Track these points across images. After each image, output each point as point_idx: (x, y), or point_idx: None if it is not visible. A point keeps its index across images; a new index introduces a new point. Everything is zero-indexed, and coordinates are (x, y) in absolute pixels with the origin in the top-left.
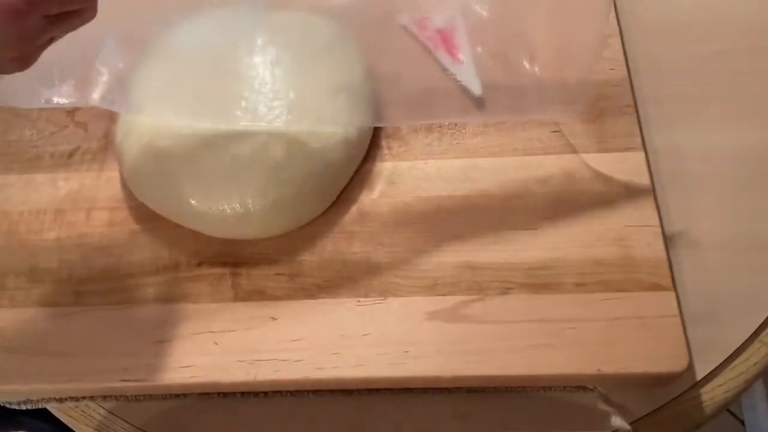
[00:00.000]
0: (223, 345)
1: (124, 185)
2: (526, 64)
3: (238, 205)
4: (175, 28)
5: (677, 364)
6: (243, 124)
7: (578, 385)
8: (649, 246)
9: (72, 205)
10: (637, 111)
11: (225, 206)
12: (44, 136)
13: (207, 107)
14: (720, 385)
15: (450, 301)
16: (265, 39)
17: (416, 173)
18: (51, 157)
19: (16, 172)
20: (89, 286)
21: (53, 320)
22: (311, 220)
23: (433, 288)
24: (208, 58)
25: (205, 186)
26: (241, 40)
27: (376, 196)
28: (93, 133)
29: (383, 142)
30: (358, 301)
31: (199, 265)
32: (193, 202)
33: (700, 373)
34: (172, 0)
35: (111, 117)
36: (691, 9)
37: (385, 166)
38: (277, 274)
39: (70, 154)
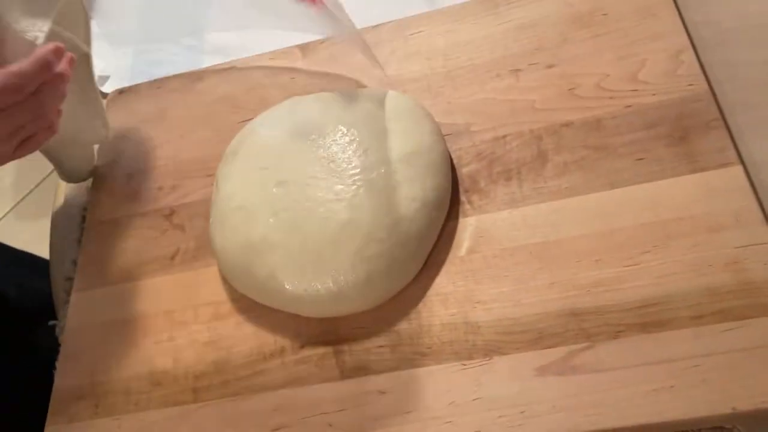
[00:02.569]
0: (337, 426)
1: (224, 279)
2: None
3: (331, 284)
4: (253, 122)
5: None
6: (322, 209)
7: (714, 426)
8: (766, 266)
9: (179, 304)
10: (726, 123)
11: (319, 287)
12: (147, 242)
13: (289, 194)
14: None
15: (558, 352)
16: (334, 119)
17: (501, 224)
18: (156, 262)
19: (127, 281)
20: (205, 382)
21: (175, 419)
22: (404, 288)
23: (538, 341)
24: (285, 147)
25: (298, 270)
26: (312, 124)
27: (464, 254)
28: (190, 233)
29: (463, 197)
30: (463, 365)
31: (303, 347)
32: (288, 287)
33: None
34: None
35: (205, 216)
36: (762, 12)
37: (469, 222)
38: (379, 346)
39: (172, 256)
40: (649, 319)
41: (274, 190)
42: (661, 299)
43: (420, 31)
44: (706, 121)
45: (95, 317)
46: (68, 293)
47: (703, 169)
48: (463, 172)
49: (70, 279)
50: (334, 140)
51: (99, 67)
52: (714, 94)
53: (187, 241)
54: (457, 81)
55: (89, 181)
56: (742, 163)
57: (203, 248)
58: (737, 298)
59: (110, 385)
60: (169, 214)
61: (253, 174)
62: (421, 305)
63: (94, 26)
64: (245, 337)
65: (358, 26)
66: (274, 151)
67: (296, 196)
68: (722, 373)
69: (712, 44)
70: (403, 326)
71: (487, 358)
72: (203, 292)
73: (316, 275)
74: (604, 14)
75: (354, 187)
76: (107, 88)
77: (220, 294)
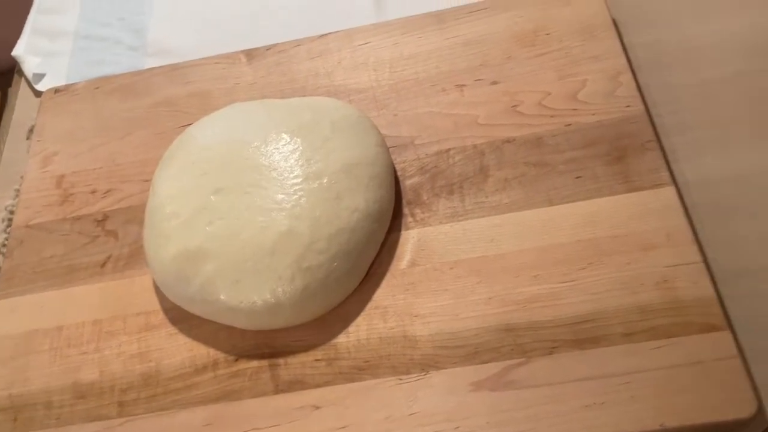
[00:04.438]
0: None
1: (157, 288)
2: None
3: (268, 296)
4: (193, 127)
5: (745, 410)
6: (262, 218)
7: None
8: (695, 285)
9: (108, 314)
10: (661, 145)
11: (255, 298)
12: (76, 248)
13: (227, 202)
14: None
15: (494, 368)
16: (277, 126)
17: (443, 238)
18: (85, 269)
19: (54, 288)
20: (132, 395)
21: None
22: (343, 300)
23: (474, 356)
24: (224, 153)
25: (234, 281)
26: (254, 131)
27: (405, 266)
28: (123, 240)
29: (406, 210)
30: (400, 379)
31: (237, 360)
32: (223, 298)
33: None
34: None
35: (140, 222)
36: (701, 34)
37: (411, 235)
38: (315, 360)
39: (103, 264)
40: (583, 335)
41: (211, 197)
42: (595, 316)
43: (367, 42)
44: (641, 142)
45: (18, 326)
46: None
47: (638, 189)
48: (407, 184)
49: None
50: (276, 148)
51: (34, 63)
52: (650, 116)
53: (120, 248)
54: (403, 93)
55: (16, 183)
56: (675, 183)
57: (136, 256)
58: (667, 316)
59: (31, 397)
60: (102, 219)
61: (191, 180)
62: (360, 318)
63: (32, 21)
64: (177, 349)
65: (305, 35)
66: (213, 158)
67: (235, 204)
68: (652, 389)
69: (649, 66)
70: (341, 340)
71: (424, 373)
72: (134, 301)
73: (252, 286)
74: (548, 34)
75: (295, 196)
76: (43, 86)
77: (153, 304)
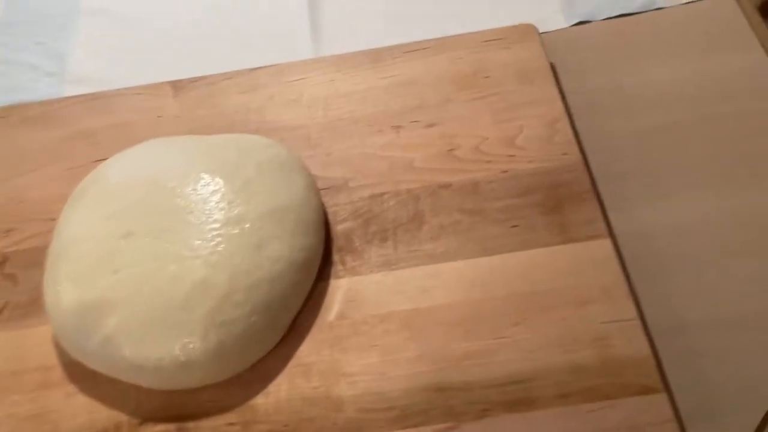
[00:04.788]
0: None
1: (57, 342)
2: None
3: (177, 352)
4: (106, 163)
5: None
6: (174, 266)
7: None
8: (630, 343)
9: (1, 368)
10: (597, 193)
11: (163, 355)
12: None
13: (137, 248)
14: None
15: None
16: (197, 166)
17: (374, 287)
18: None
19: None
20: None
21: None
22: (263, 356)
23: (402, 419)
24: (138, 193)
25: (140, 335)
26: (172, 170)
27: (333, 318)
28: (24, 285)
29: (336, 257)
30: None
31: (142, 423)
32: (127, 354)
33: None
34: None
35: (43, 266)
36: (636, 84)
37: (340, 284)
38: (229, 424)
39: None
40: (515, 396)
41: (120, 241)
42: (528, 375)
43: (301, 78)
44: (578, 192)
45: None
46: None
47: (573, 240)
48: (338, 229)
49: None
50: (194, 189)
51: None
52: (587, 163)
53: (19, 295)
54: (337, 133)
55: None
56: (612, 234)
57: (37, 304)
58: (602, 376)
59: None
60: (1, 261)
61: (98, 222)
62: (281, 377)
63: None
64: (75, 411)
65: (236, 68)
66: (125, 198)
67: (145, 250)
68: None
69: (586, 114)
70: (259, 401)
71: None
72: (31, 355)
73: (160, 341)
74: (486, 77)
75: (213, 243)
76: None
77: (51, 358)
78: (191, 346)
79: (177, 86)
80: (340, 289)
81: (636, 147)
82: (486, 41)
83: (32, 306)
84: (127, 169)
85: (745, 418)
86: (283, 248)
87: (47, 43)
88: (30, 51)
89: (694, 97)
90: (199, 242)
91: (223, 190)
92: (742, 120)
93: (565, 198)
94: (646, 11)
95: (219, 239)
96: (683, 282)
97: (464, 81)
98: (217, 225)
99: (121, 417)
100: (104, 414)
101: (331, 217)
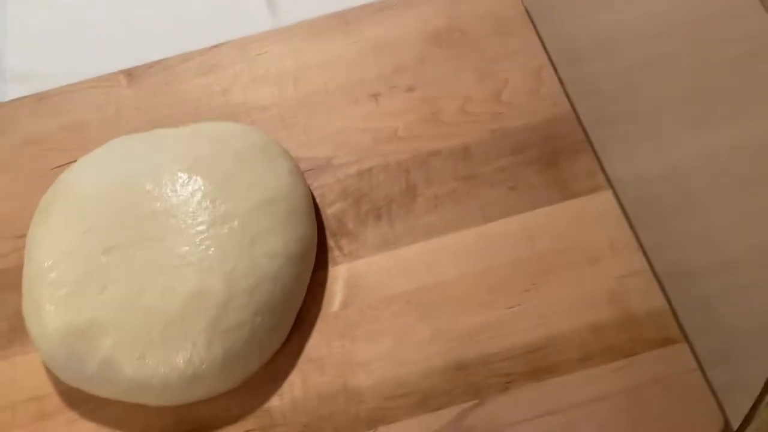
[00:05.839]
0: None
1: (48, 368)
2: None
3: (183, 367)
4: (69, 172)
5: (713, 426)
6: (164, 277)
7: None
8: (645, 295)
9: None
10: (591, 143)
11: (167, 371)
12: None
13: (121, 262)
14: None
15: (448, 414)
16: (171, 163)
17: (375, 270)
18: None
19: None
20: None
21: None
22: (271, 357)
23: (425, 403)
24: (111, 202)
25: (139, 354)
26: (144, 172)
27: (337, 308)
28: (1, 312)
29: (331, 242)
30: None
31: None
32: (128, 374)
33: (735, 421)
34: None
35: (18, 289)
36: (617, 20)
37: (340, 271)
38: None
39: None
40: (537, 364)
41: (101, 258)
42: (546, 342)
43: (265, 52)
44: (572, 144)
45: None
46: None
47: (575, 196)
48: (329, 213)
49: None
50: (173, 190)
51: None
52: (576, 112)
53: None
54: (312, 108)
55: None
56: (611, 184)
57: (18, 331)
58: (622, 333)
59: None
60: None
61: (73, 239)
62: (293, 375)
63: None
64: None
65: (192, 48)
66: (97, 209)
67: (130, 263)
68: (617, 416)
69: (568, 59)
70: (274, 403)
71: (372, 431)
72: (22, 385)
73: (162, 359)
74: (462, 32)
75: (202, 247)
76: None
77: (45, 386)
78: (196, 359)
79: (131, 74)
80: (340, 276)
81: (623, 88)
82: None
83: (13, 334)
84: (94, 177)
85: (763, 357)
86: (277, 242)
87: None
88: None
89: (680, 26)
90: (186, 248)
91: (203, 187)
92: (736, 45)
93: (560, 151)
94: None
95: (208, 242)
96: (686, 226)
97: (439, 38)
98: (203, 227)
99: None
100: None
101: (319, 201)
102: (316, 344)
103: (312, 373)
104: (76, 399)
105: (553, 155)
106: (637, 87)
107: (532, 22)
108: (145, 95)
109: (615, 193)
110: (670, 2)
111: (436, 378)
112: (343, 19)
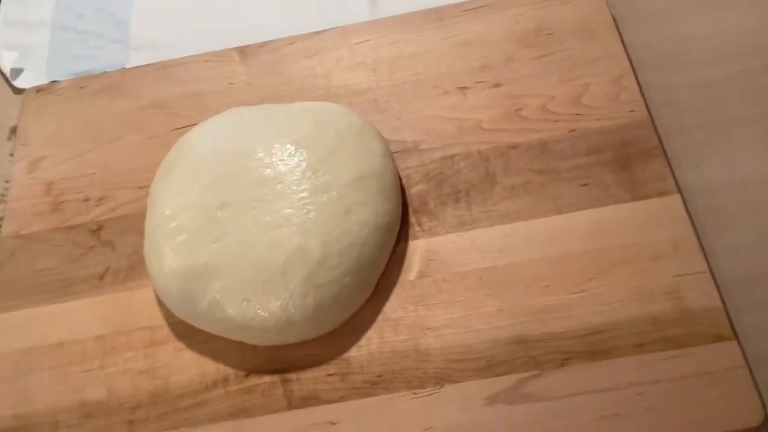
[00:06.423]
0: None
1: (161, 301)
2: None
3: (279, 313)
4: (190, 135)
5: (753, 419)
6: (271, 234)
7: None
8: (703, 295)
9: (111, 329)
10: (663, 150)
11: (266, 315)
12: (72, 260)
13: (234, 217)
14: None
15: (508, 381)
16: (281, 136)
17: (451, 247)
18: (83, 282)
19: (50, 303)
20: (141, 414)
21: None
22: (354, 313)
23: (488, 369)
24: (228, 164)
25: (244, 298)
26: (257, 141)
27: (414, 277)
28: (121, 251)
29: (412, 219)
30: (415, 394)
31: (248, 375)
32: (233, 315)
33: None
34: None
35: (139, 231)
36: (701, 32)
37: (419, 245)
38: (328, 375)
39: (101, 276)
40: (595, 347)
41: (217, 212)
42: (606, 327)
43: (365, 41)
44: (646, 149)
45: (14, 343)
46: None
47: (644, 197)
48: (412, 192)
49: None
50: (281, 159)
51: (11, 59)
52: (652, 119)
53: (119, 260)
54: (404, 96)
55: (1, 187)
56: (680, 190)
57: (137, 268)
58: (677, 326)
59: (36, 417)
60: (97, 229)
61: (193, 194)
62: (371, 332)
63: (5, 11)
64: (185, 365)
65: (296, 31)
66: (216, 169)
67: (242, 220)
68: (665, 400)
69: (650, 67)
70: (353, 354)
71: (438, 387)
72: (137, 315)
73: (263, 303)
74: (549, 34)
75: (304, 211)
76: (21, 82)
77: (157, 318)
78: (292, 307)
79: (244, 52)
80: (419, 249)
81: (700, 100)
82: None
83: (132, 270)
84: (213, 140)
85: None
86: (368, 214)
87: (106, 9)
88: (90, 18)
89: (763, 47)
90: (290, 211)
91: (308, 159)
92: None
93: (634, 155)
94: None
95: (309, 207)
96: (748, 235)
97: (527, 39)
98: (306, 194)
99: (228, 370)
100: (212, 368)
101: (404, 181)
102: (393, 307)
103: (388, 331)
104: (184, 331)
105: (627, 158)
106: (713, 100)
107: (618, 29)
108: (255, 72)
109: (683, 198)
110: (755, 21)
111: (500, 348)
112: (438, 14)
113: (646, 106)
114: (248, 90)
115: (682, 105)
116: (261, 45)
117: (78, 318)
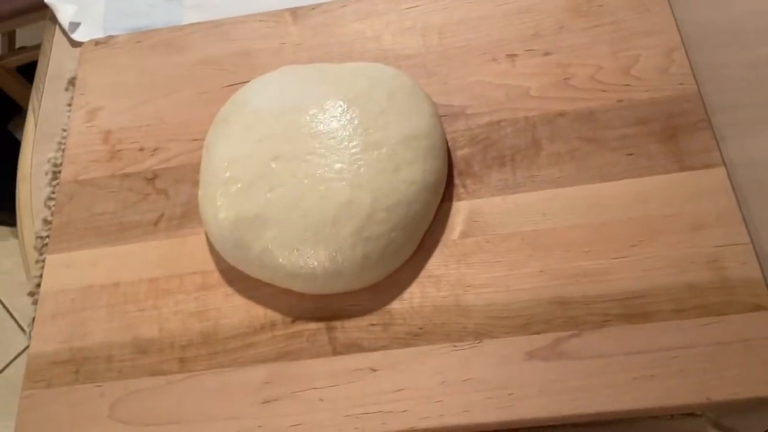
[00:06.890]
0: (328, 400)
1: (212, 248)
2: None
3: (327, 263)
4: (245, 90)
5: None
6: (322, 187)
7: (686, 412)
8: (744, 265)
9: (164, 272)
10: (710, 123)
11: (315, 264)
12: (128, 206)
13: (287, 170)
14: None
15: (546, 339)
16: (334, 93)
17: (494, 210)
18: (137, 227)
19: (107, 245)
20: (192, 352)
21: (162, 388)
22: (398, 267)
23: (527, 326)
24: (281, 119)
25: (294, 248)
26: (310, 97)
27: (457, 237)
28: (175, 199)
29: (457, 180)
30: (454, 346)
31: (294, 321)
32: (283, 263)
33: None
34: None
35: (192, 181)
36: (751, 12)
37: (462, 206)
38: (371, 324)
39: (156, 222)
40: (633, 310)
41: (271, 164)
42: (645, 292)
43: (416, 6)
44: (693, 122)
45: (72, 281)
46: (40, 252)
47: (689, 169)
48: (458, 155)
49: (41, 238)
50: (333, 116)
51: (69, 13)
52: (701, 94)
53: (172, 208)
54: (453, 61)
55: (58, 136)
56: (725, 164)
57: (189, 216)
58: (716, 294)
59: (91, 351)
60: (152, 177)
61: (248, 146)
62: (414, 286)
63: None
64: (234, 309)
65: None
66: (270, 123)
67: (294, 172)
68: (700, 364)
69: (699, 43)
70: (395, 306)
71: (478, 341)
72: (189, 260)
73: (312, 253)
74: (600, 5)
75: (355, 166)
76: (79, 36)
77: (208, 264)
78: (340, 258)
79: (296, 13)
80: (462, 210)
81: (749, 77)
82: None
83: (185, 218)
84: (267, 96)
85: None
86: (416, 172)
87: None
88: None
89: None
90: (341, 165)
91: (359, 117)
92: None
93: (681, 127)
94: None
95: (360, 163)
96: None
97: (579, 9)
98: (357, 150)
99: (276, 316)
100: (260, 312)
101: (450, 144)
102: (435, 264)
103: (430, 287)
104: (234, 278)
105: (674, 130)
106: (762, 77)
107: (670, 3)
108: (306, 33)
109: (728, 172)
110: None
111: (540, 308)
112: None
113: (695, 79)
114: (299, 50)
115: (730, 83)
116: (313, 7)
117: (133, 260)
